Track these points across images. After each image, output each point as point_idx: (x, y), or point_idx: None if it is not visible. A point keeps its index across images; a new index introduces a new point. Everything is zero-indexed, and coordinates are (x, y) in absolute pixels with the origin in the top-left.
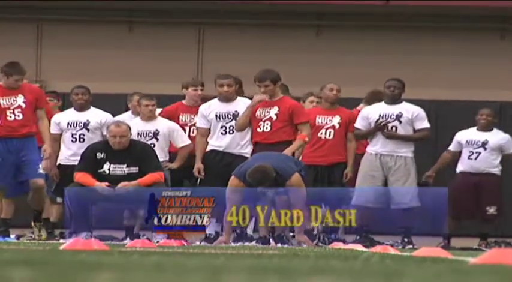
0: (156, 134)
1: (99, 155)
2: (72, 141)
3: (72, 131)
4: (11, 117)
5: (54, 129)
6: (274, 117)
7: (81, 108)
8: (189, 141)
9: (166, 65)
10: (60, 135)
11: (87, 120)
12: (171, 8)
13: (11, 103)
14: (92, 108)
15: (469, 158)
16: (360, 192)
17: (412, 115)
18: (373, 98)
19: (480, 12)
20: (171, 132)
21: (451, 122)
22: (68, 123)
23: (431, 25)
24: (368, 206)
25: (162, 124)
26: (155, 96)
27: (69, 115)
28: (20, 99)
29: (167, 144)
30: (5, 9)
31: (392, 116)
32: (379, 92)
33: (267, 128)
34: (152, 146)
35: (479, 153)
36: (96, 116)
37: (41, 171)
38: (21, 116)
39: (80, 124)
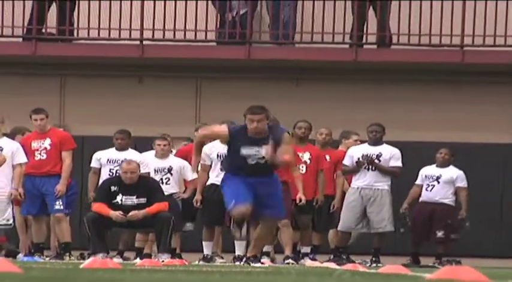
0: (170, 170)
1: (113, 188)
2: (109, 175)
3: (110, 167)
4: (37, 157)
5: (94, 164)
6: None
7: (121, 148)
8: (196, 176)
9: (170, 111)
10: (100, 169)
11: (125, 159)
12: (174, 64)
13: (40, 145)
14: (130, 149)
15: (426, 189)
16: (344, 219)
17: (389, 155)
18: (341, 137)
19: (433, 67)
20: (182, 168)
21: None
22: (108, 160)
23: (392, 77)
24: (350, 231)
25: (175, 161)
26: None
27: (110, 153)
28: (46, 142)
29: (179, 178)
30: (33, 65)
31: (373, 156)
32: (347, 131)
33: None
34: (167, 180)
35: (434, 185)
36: (132, 155)
37: (58, 207)
38: (45, 156)
39: (117, 162)
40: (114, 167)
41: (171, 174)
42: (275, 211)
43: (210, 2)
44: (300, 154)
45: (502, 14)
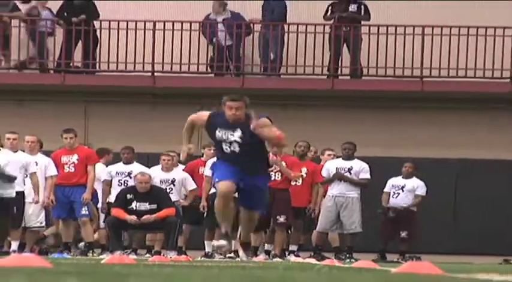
0: (173, 181)
1: (128, 196)
2: (118, 185)
3: (119, 178)
4: (66, 170)
5: (106, 177)
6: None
7: (127, 162)
8: (195, 186)
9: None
10: (111, 181)
11: (131, 171)
12: (180, 92)
13: (69, 160)
14: (135, 162)
15: (392, 197)
16: (321, 222)
17: (359, 168)
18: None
19: (397, 95)
20: (183, 180)
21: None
22: (117, 172)
23: (363, 103)
24: (326, 231)
25: (177, 174)
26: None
27: (118, 167)
28: (74, 157)
29: (181, 188)
30: (62, 93)
31: (345, 169)
32: (328, 148)
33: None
34: (170, 190)
35: (399, 193)
36: (137, 167)
37: (83, 212)
38: (73, 169)
39: (124, 174)
40: (123, 178)
41: (174, 185)
42: (252, 204)
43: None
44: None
45: (454, 51)
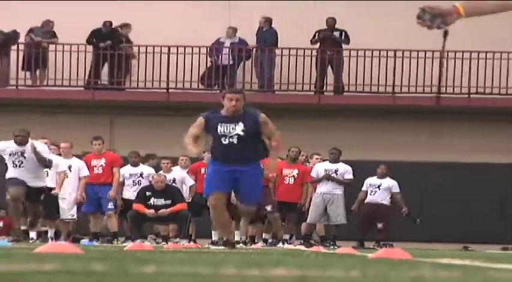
0: (174, 180)
1: (147, 193)
2: (133, 185)
3: (132, 179)
4: (95, 171)
5: (121, 178)
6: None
7: (134, 164)
8: (193, 182)
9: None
10: (123, 181)
11: (141, 172)
12: (190, 106)
13: (97, 163)
14: (141, 165)
15: (370, 194)
16: (311, 215)
17: (344, 170)
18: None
19: (373, 108)
20: (182, 178)
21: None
22: (130, 174)
23: (345, 115)
24: (315, 223)
25: (177, 174)
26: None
27: (128, 169)
28: (102, 161)
29: (182, 185)
30: (91, 107)
31: (332, 170)
32: (316, 153)
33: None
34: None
35: (376, 191)
36: (146, 170)
37: (109, 207)
38: (101, 171)
39: (137, 175)
40: (136, 178)
41: (175, 183)
42: (247, 199)
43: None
44: (291, 170)
45: (421, 68)
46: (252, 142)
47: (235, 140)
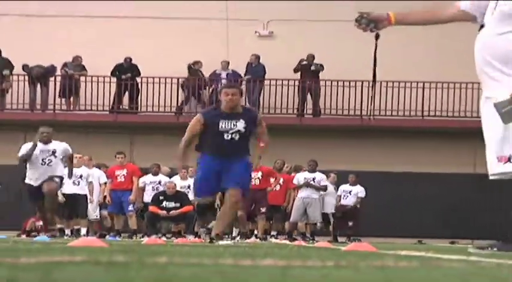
0: (189, 186)
1: (161, 197)
2: (152, 190)
3: (152, 185)
4: (118, 179)
5: (141, 184)
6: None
7: (155, 174)
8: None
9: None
10: (144, 187)
11: (160, 180)
12: None
13: (120, 173)
14: (160, 174)
15: (343, 198)
16: (293, 215)
17: (320, 178)
18: (296, 169)
19: (346, 128)
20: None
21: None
22: (150, 181)
23: (322, 134)
24: (296, 222)
25: (191, 181)
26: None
27: (149, 177)
28: (124, 171)
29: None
30: (114, 128)
31: (311, 179)
32: (296, 165)
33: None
34: (188, 191)
35: (348, 196)
36: (163, 178)
37: (130, 208)
38: (123, 179)
39: (155, 182)
40: (155, 185)
41: (189, 189)
42: (236, 181)
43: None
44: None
45: (383, 96)
46: (246, 140)
47: (236, 137)
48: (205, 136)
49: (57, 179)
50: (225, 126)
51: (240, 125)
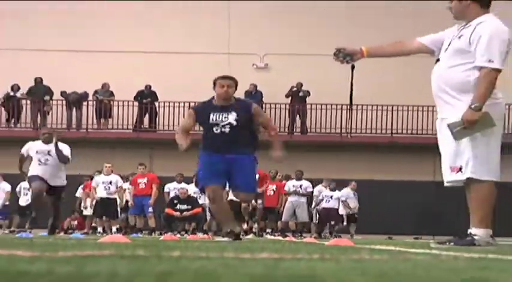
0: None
1: (175, 201)
2: (174, 194)
3: (174, 191)
4: (140, 186)
5: (166, 189)
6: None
7: (179, 182)
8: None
9: None
10: (169, 192)
11: (183, 187)
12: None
13: (142, 181)
14: (182, 183)
15: (325, 202)
16: (284, 215)
17: (306, 185)
18: (286, 178)
19: (326, 143)
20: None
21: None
22: (174, 188)
23: (307, 149)
24: (287, 221)
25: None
26: None
27: (174, 184)
28: (145, 179)
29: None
30: (137, 144)
31: (298, 186)
32: (285, 174)
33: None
34: (199, 197)
35: (330, 200)
36: (184, 186)
37: (150, 210)
38: (144, 186)
39: (177, 189)
40: (178, 190)
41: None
42: (244, 188)
43: None
44: (272, 185)
45: (359, 117)
46: (243, 133)
47: (227, 129)
48: (203, 132)
49: (60, 183)
50: (215, 119)
51: (232, 117)
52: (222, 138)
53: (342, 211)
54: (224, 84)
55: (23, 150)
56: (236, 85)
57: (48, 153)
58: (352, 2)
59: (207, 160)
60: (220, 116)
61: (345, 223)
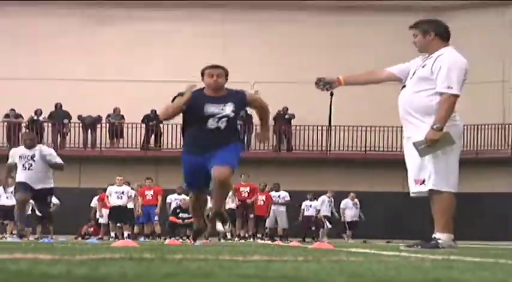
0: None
1: (178, 210)
2: (175, 204)
3: (177, 201)
4: (147, 197)
5: (168, 201)
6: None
7: (179, 193)
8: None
9: None
10: (170, 203)
11: (183, 198)
12: None
13: (148, 193)
14: (183, 194)
15: (306, 210)
16: (269, 222)
17: (284, 195)
18: (276, 188)
19: (311, 159)
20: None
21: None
22: (175, 199)
23: (292, 164)
24: (273, 227)
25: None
26: None
27: (175, 196)
28: (151, 191)
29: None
30: (146, 160)
31: (277, 196)
32: (276, 183)
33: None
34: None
35: (310, 209)
36: (184, 197)
37: (155, 219)
38: (150, 198)
39: (178, 199)
40: (180, 201)
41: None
42: (220, 160)
43: None
44: (262, 196)
45: (340, 135)
46: (234, 126)
47: (223, 124)
48: (187, 126)
49: (48, 197)
50: (212, 111)
51: (229, 108)
52: (213, 135)
53: (324, 212)
54: (213, 73)
55: (10, 160)
56: (226, 75)
57: (32, 158)
58: (332, 37)
59: (189, 164)
60: (217, 108)
61: (328, 226)
